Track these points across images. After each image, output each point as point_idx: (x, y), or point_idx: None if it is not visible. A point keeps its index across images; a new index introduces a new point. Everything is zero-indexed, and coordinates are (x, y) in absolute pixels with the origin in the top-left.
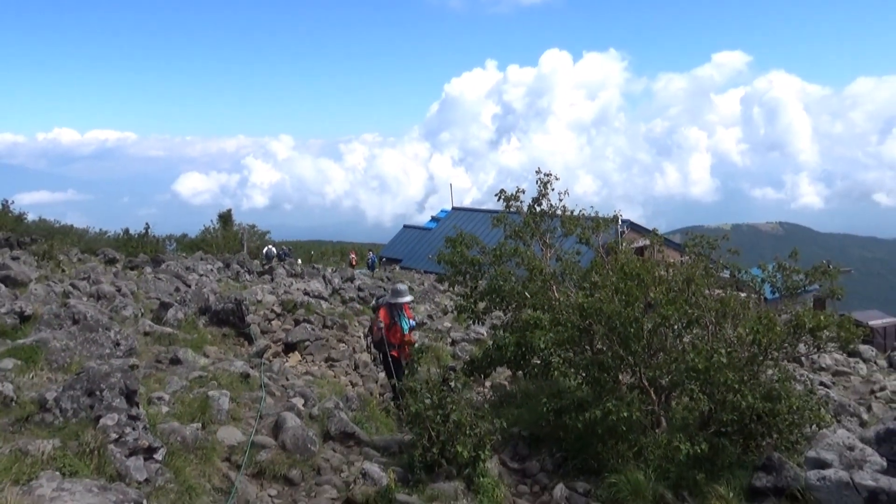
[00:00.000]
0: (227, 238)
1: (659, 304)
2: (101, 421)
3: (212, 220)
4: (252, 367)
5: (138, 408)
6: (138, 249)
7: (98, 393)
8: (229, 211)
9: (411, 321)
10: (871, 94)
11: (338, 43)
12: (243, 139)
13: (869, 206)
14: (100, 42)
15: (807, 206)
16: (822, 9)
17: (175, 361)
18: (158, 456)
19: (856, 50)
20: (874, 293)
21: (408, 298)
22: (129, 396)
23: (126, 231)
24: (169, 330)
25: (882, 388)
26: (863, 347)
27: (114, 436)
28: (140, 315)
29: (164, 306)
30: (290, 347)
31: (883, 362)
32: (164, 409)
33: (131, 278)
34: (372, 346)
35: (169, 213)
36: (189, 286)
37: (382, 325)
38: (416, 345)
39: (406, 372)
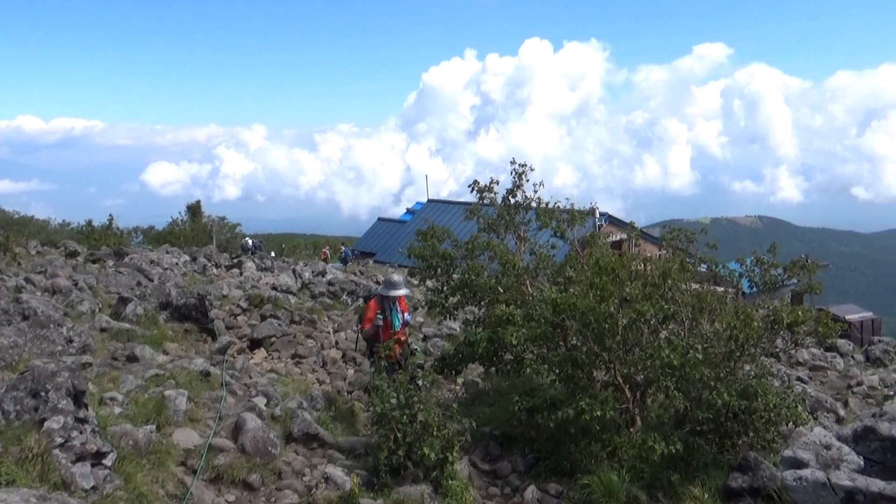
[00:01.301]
0: (196, 230)
1: (634, 299)
2: (46, 424)
3: (180, 212)
4: (213, 365)
5: (87, 409)
6: (101, 242)
7: (43, 394)
8: (198, 202)
9: (406, 316)
10: (850, 87)
11: (313, 30)
12: (215, 128)
13: (847, 200)
14: (65, 27)
15: (786, 199)
16: (803, 2)
17: (132, 359)
18: (108, 461)
19: (836, 44)
20: (851, 287)
21: (402, 291)
22: (77, 397)
23: (89, 223)
24: (127, 326)
25: (859, 384)
26: (840, 342)
27: (59, 440)
28: (97, 310)
29: (123, 301)
30: (255, 344)
31: (860, 357)
32: (117, 410)
33: (91, 272)
34: (359, 337)
35: (137, 203)
36: (151, 280)
37: (381, 322)
38: (415, 349)
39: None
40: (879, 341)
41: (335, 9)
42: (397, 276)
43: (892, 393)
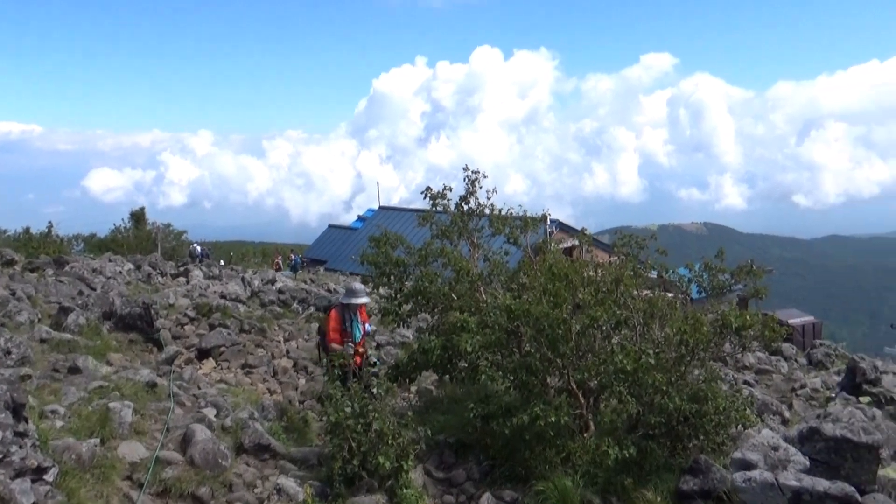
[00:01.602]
0: (140, 238)
1: (587, 305)
2: None
3: (123, 219)
4: (160, 376)
5: (27, 423)
6: (40, 250)
7: None
8: (142, 209)
9: (367, 326)
10: (790, 97)
11: (261, 35)
12: (159, 134)
13: (788, 206)
14: None
15: (730, 206)
16: (745, 13)
17: (74, 370)
18: (49, 476)
19: (776, 54)
20: (792, 292)
21: (364, 300)
22: (17, 410)
23: (27, 230)
24: (69, 336)
25: (802, 386)
26: (784, 346)
27: None
28: (37, 321)
29: (65, 311)
30: (203, 354)
31: (803, 360)
32: (59, 423)
33: (30, 281)
34: (320, 349)
35: (78, 210)
36: (94, 289)
37: (351, 350)
38: (374, 361)
39: (355, 381)
40: (821, 344)
41: (284, 13)
42: (358, 284)
43: (833, 395)
